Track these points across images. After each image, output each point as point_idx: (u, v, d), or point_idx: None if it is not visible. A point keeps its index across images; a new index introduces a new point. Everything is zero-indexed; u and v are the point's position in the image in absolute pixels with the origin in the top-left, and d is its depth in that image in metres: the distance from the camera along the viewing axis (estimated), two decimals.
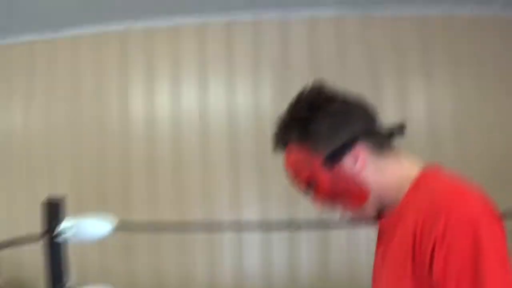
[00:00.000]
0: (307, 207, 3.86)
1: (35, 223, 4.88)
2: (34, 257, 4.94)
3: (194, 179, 4.52)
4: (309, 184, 1.31)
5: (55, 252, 3.03)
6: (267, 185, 4.41)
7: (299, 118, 1.29)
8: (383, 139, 1.32)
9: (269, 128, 1.38)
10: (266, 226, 4.38)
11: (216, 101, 4.60)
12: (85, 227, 2.73)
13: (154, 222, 4.52)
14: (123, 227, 3.78)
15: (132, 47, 4.83)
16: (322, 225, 4.04)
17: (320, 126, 1.27)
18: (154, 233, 4.48)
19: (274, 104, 4.43)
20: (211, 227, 4.40)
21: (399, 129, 1.34)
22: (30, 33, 5.01)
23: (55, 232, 2.76)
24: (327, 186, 1.29)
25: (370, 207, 1.32)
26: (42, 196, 4.05)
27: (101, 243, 4.50)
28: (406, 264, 1.19)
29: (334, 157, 1.27)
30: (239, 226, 4.38)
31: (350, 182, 1.28)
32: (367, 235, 4.09)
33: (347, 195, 1.30)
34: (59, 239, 2.88)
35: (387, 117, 1.35)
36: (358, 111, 1.31)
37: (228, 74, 4.64)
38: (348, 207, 1.33)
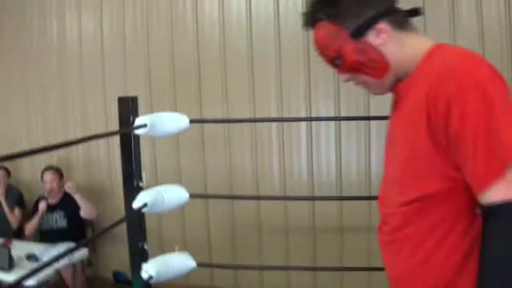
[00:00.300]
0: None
1: (107, 123, 5.02)
2: (104, 159, 5.10)
3: (268, 77, 4.37)
4: (336, 57, 1.47)
5: (131, 148, 3.01)
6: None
7: None
8: (403, 16, 1.47)
9: None
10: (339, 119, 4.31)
11: None
12: (161, 122, 2.68)
13: (227, 119, 4.49)
14: (197, 121, 3.78)
15: None
16: None
17: (347, 4, 1.42)
18: (228, 129, 4.48)
19: None
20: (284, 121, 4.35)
21: (416, 11, 1.50)
22: None
23: (132, 127, 2.71)
24: (353, 58, 1.44)
25: (388, 81, 1.47)
26: (114, 97, 4.07)
27: (173, 141, 4.58)
28: (421, 124, 1.31)
29: (360, 31, 1.42)
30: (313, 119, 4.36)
31: (373, 53, 1.43)
32: None
33: (369, 67, 1.44)
34: (136, 134, 2.84)
35: None
36: None
37: None
38: (369, 80, 1.49)
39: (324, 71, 3.99)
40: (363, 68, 1.45)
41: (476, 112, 1.21)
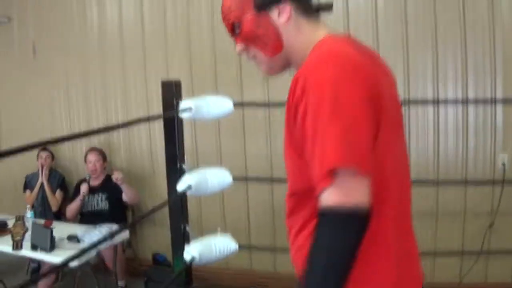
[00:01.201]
0: None
1: (148, 106, 5.10)
2: (145, 142, 5.19)
3: None
4: (236, 24, 1.51)
5: (175, 131, 3.09)
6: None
7: None
8: (310, 6, 1.52)
9: None
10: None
11: None
12: (206, 106, 2.74)
13: (269, 103, 4.51)
14: (240, 104, 3.82)
15: None
16: None
17: None
18: (268, 112, 4.50)
19: None
20: None
21: (327, 6, 1.57)
22: None
23: (177, 110, 2.78)
24: (250, 28, 1.49)
25: (277, 62, 1.53)
26: (156, 82, 4.15)
27: (214, 124, 4.64)
28: (287, 128, 1.38)
29: (264, 5, 1.46)
30: None
31: (270, 30, 1.48)
32: None
33: (263, 41, 1.49)
34: (180, 117, 2.92)
35: None
36: None
37: None
38: (260, 56, 1.53)
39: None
40: (257, 41, 1.50)
41: (312, 116, 1.24)
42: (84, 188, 4.93)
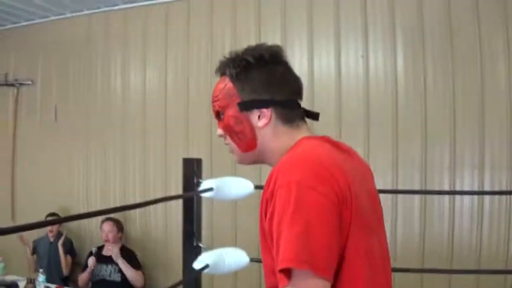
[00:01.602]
0: None
1: (166, 179, 5.18)
2: (161, 214, 5.24)
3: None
4: (219, 113, 1.62)
5: (193, 209, 3.13)
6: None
7: (247, 61, 1.55)
8: (295, 115, 1.59)
9: None
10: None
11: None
12: (227, 187, 2.79)
13: None
14: (258, 187, 3.86)
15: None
16: None
17: (256, 78, 1.55)
18: None
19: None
20: None
21: (315, 115, 1.66)
22: None
23: (198, 190, 2.84)
24: (230, 121, 1.58)
25: (249, 158, 1.64)
26: (176, 158, 4.22)
27: (231, 202, 4.68)
28: (260, 227, 1.43)
29: (248, 105, 1.55)
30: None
31: (247, 130, 1.57)
32: None
33: (238, 137, 1.59)
34: (200, 197, 2.97)
35: None
36: (292, 85, 1.60)
37: None
38: (233, 147, 1.63)
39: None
40: (233, 135, 1.60)
41: (277, 217, 1.29)
42: (91, 262, 4.97)
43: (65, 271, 5.37)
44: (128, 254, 5.04)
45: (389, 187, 4.23)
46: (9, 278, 5.05)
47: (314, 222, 1.26)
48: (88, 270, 4.99)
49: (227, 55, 1.61)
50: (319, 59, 4.56)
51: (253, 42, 1.63)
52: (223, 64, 1.61)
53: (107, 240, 5.05)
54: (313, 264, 1.22)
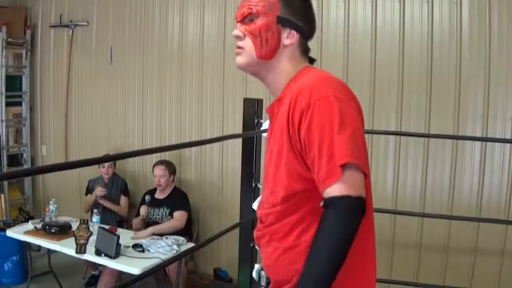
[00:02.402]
0: None
1: (223, 123, 5.21)
2: (216, 156, 5.29)
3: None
4: (254, 16, 1.75)
5: (253, 149, 3.16)
6: None
7: None
8: (308, 48, 1.82)
9: None
10: None
11: None
12: None
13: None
14: None
15: None
16: None
17: (298, 4, 1.76)
18: None
19: None
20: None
21: (312, 59, 1.85)
22: None
23: (260, 130, 2.87)
24: (263, 27, 1.73)
25: (255, 64, 1.77)
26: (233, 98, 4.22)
27: None
28: (284, 134, 1.62)
29: (285, 21, 1.74)
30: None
31: (274, 40, 1.74)
32: None
33: (262, 42, 1.73)
34: (260, 136, 2.99)
35: None
36: (314, 24, 1.83)
37: None
38: (248, 49, 1.75)
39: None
40: (258, 39, 1.73)
41: (319, 124, 1.50)
42: (143, 211, 5.09)
43: (122, 214, 5.60)
44: (178, 195, 5.16)
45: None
46: (62, 219, 5.19)
47: (356, 130, 1.53)
48: (140, 218, 5.12)
49: None
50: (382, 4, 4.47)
51: None
52: None
53: (159, 185, 5.16)
54: (361, 161, 1.49)
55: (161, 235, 4.65)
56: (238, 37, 1.79)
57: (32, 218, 5.41)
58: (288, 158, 1.62)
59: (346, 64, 4.60)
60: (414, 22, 4.34)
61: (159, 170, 5.17)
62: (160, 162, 5.22)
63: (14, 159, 6.68)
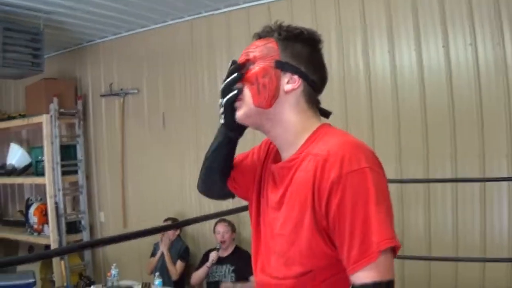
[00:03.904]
0: None
1: None
2: None
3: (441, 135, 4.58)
4: (251, 63, 1.68)
5: None
6: None
7: (301, 31, 1.68)
8: (317, 100, 1.71)
9: None
10: None
11: None
12: None
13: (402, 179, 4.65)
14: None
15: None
16: None
17: (301, 48, 1.67)
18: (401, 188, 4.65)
19: None
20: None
21: (327, 113, 1.77)
22: None
23: None
24: (260, 72, 1.64)
25: (254, 115, 1.67)
26: None
27: None
28: (306, 205, 1.50)
29: (284, 65, 1.64)
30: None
31: (272, 86, 1.63)
32: None
33: (259, 89, 1.64)
34: None
35: None
36: (324, 73, 1.72)
37: None
38: (248, 99, 1.66)
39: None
40: (254, 85, 1.64)
41: (354, 199, 1.41)
42: (214, 255, 5.29)
43: (173, 276, 5.73)
44: (242, 255, 5.32)
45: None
46: (124, 283, 5.43)
47: (389, 204, 1.47)
48: (208, 264, 5.32)
49: (274, 24, 1.73)
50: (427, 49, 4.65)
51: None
52: (269, 28, 1.72)
53: (222, 242, 5.36)
54: (397, 245, 1.42)
55: None
56: (233, 88, 1.70)
57: (93, 283, 5.66)
58: (311, 235, 1.52)
59: (397, 111, 4.77)
60: (461, 65, 4.49)
61: (222, 227, 5.38)
62: (223, 219, 5.43)
63: (72, 226, 6.94)
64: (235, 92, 1.68)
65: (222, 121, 1.77)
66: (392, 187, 4.19)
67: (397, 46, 4.78)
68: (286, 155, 1.69)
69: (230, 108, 1.72)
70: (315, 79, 1.68)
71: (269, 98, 1.64)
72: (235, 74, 1.68)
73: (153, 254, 5.98)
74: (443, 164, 4.54)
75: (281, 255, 1.61)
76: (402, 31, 4.75)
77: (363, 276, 1.41)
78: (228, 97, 1.69)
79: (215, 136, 1.86)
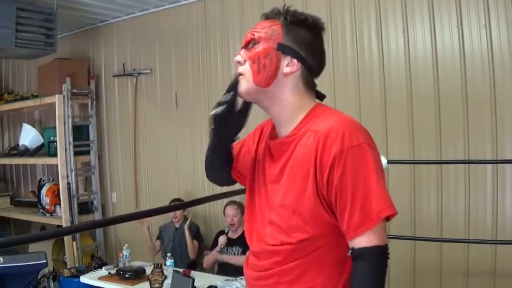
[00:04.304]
0: None
1: None
2: None
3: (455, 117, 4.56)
4: (256, 42, 1.78)
5: None
6: None
7: (306, 18, 1.78)
8: (314, 84, 1.85)
9: None
10: None
11: None
12: None
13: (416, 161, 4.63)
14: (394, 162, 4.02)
15: None
16: None
17: (304, 34, 1.77)
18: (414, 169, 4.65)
19: None
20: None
21: (322, 95, 1.89)
22: None
23: None
24: (262, 52, 1.75)
25: (253, 91, 1.78)
26: None
27: None
28: (308, 177, 1.65)
29: (285, 48, 1.75)
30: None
31: (272, 67, 1.75)
32: None
33: (259, 68, 1.75)
34: None
35: None
36: (323, 60, 1.85)
37: None
38: (247, 75, 1.77)
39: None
40: (256, 64, 1.75)
41: (355, 171, 1.58)
42: (222, 240, 5.31)
43: (191, 255, 5.77)
44: None
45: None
46: (136, 264, 5.47)
47: (384, 177, 1.66)
48: (217, 249, 5.36)
49: (279, 7, 1.83)
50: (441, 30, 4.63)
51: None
52: (277, 11, 1.82)
53: (232, 224, 5.38)
54: (394, 213, 1.61)
55: (235, 275, 4.81)
56: (238, 63, 1.82)
57: (105, 264, 5.67)
58: (314, 204, 1.65)
59: (410, 93, 4.75)
60: (474, 46, 4.46)
61: (232, 210, 5.40)
62: (232, 202, 5.45)
63: (84, 207, 7.00)
64: (224, 107, 1.81)
65: (212, 127, 1.90)
66: (405, 168, 4.21)
67: (410, 27, 4.74)
68: (284, 131, 1.81)
69: (219, 122, 1.86)
70: (313, 64, 1.81)
71: (268, 78, 1.76)
72: (231, 93, 1.82)
73: (158, 237, 6.03)
74: (456, 146, 4.52)
75: (282, 224, 1.74)
76: (416, 12, 4.70)
77: (362, 241, 1.59)
78: (218, 112, 1.83)
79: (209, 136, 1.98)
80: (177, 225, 5.89)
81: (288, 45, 1.76)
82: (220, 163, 2.10)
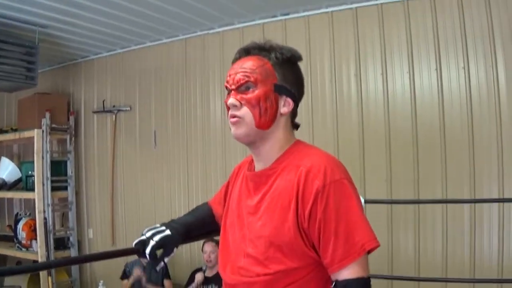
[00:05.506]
0: None
1: None
2: None
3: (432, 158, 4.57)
4: (251, 85, 1.75)
5: None
6: None
7: (293, 55, 1.81)
8: (296, 114, 1.87)
9: None
10: None
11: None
12: None
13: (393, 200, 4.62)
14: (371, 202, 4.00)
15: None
16: None
17: (292, 72, 1.81)
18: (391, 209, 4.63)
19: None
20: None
21: (297, 125, 1.89)
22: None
23: None
24: (262, 96, 1.74)
25: (253, 134, 1.76)
26: None
27: None
28: (288, 210, 1.65)
29: (282, 89, 1.77)
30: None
31: (273, 109, 1.76)
32: None
33: (262, 112, 1.73)
34: None
35: None
36: (303, 86, 1.88)
37: None
38: (250, 120, 1.74)
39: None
40: (257, 108, 1.74)
41: (337, 205, 1.60)
42: (199, 277, 5.22)
43: None
44: None
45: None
46: None
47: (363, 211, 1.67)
48: (194, 285, 5.27)
49: (260, 43, 1.84)
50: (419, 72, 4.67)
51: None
52: (260, 47, 1.82)
53: (209, 261, 5.29)
54: (377, 245, 1.63)
55: None
56: (234, 106, 1.77)
57: None
58: (294, 236, 1.64)
59: (388, 134, 4.77)
60: (453, 88, 4.51)
61: (209, 246, 5.29)
62: (211, 239, 5.33)
63: (61, 242, 6.86)
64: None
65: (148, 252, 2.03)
66: (382, 208, 4.19)
67: (389, 69, 4.79)
68: (263, 165, 1.82)
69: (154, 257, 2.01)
70: (300, 98, 1.86)
71: (269, 121, 1.76)
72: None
73: (124, 275, 5.83)
74: (434, 186, 4.53)
75: (259, 255, 1.72)
76: (395, 54, 4.77)
77: (347, 273, 1.59)
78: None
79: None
80: (145, 263, 5.63)
81: (283, 85, 1.77)
82: (202, 229, 2.27)
